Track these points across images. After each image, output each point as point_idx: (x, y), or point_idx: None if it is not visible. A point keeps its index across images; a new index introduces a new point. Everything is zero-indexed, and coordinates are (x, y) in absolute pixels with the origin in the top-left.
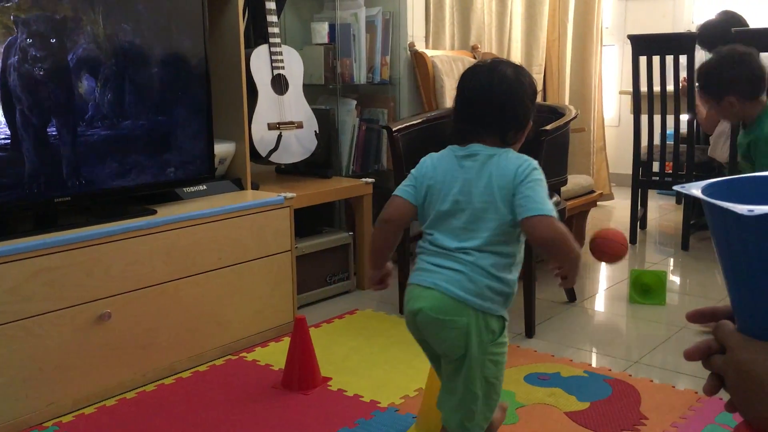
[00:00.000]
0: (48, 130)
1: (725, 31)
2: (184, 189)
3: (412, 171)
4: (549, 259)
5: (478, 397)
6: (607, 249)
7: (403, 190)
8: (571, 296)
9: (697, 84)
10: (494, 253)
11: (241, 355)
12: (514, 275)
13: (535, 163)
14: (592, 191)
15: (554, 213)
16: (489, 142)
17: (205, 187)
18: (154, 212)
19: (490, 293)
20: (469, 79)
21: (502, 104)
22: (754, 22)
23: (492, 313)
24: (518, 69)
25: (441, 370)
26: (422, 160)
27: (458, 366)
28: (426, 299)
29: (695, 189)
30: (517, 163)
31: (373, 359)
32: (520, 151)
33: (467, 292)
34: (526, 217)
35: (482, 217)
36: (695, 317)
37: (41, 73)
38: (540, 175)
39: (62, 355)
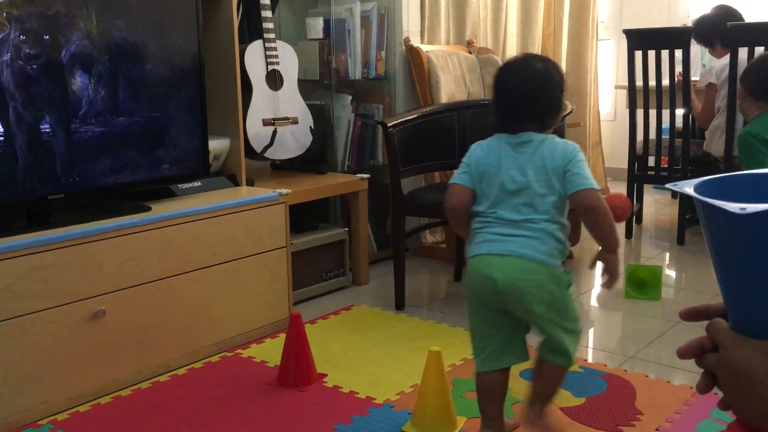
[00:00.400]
0: (41, 126)
1: (721, 25)
2: (179, 185)
3: (464, 160)
4: (592, 233)
5: (570, 333)
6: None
7: (460, 177)
8: None
9: (744, 90)
10: (554, 222)
11: (236, 351)
12: (566, 237)
13: (577, 146)
14: None
15: (598, 186)
16: (530, 128)
17: (199, 183)
18: (149, 209)
19: (556, 252)
20: (505, 79)
21: (537, 97)
22: (750, 16)
23: (558, 268)
24: (547, 63)
25: (505, 334)
26: (471, 148)
27: (541, 319)
28: (504, 265)
29: (688, 187)
30: (563, 147)
31: (369, 355)
32: None
33: (541, 253)
34: (576, 191)
35: (540, 193)
36: (689, 315)
37: (34, 69)
38: (582, 155)
39: (56, 353)
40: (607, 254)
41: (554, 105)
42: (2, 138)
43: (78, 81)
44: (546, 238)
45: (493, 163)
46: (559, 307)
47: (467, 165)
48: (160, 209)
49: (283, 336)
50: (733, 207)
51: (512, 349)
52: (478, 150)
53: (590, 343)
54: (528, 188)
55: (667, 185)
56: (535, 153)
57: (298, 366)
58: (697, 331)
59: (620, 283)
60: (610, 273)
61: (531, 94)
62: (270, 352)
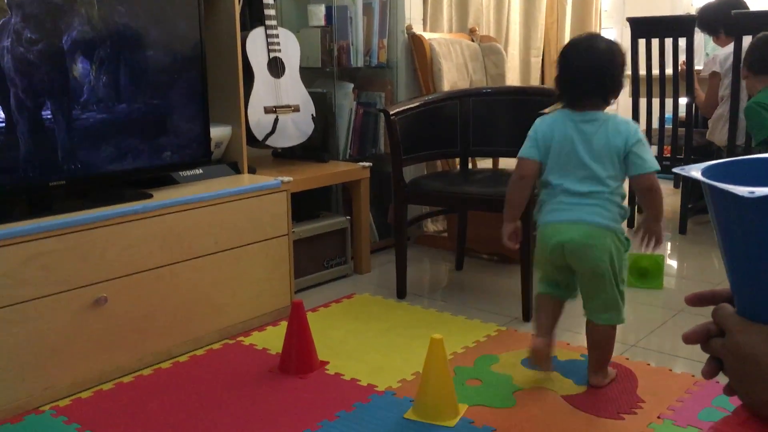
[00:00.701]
0: (42, 113)
1: (725, 13)
2: (180, 173)
3: (530, 134)
4: (644, 207)
5: (621, 293)
6: None
7: (528, 151)
8: None
9: (746, 69)
10: (616, 192)
11: (238, 339)
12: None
13: (637, 125)
14: None
15: (657, 167)
16: (594, 104)
17: (201, 171)
18: (150, 196)
19: (618, 218)
20: (571, 57)
21: (602, 75)
22: (754, 4)
23: (620, 230)
24: (611, 43)
25: (566, 288)
26: (536, 123)
27: (602, 277)
28: (574, 230)
29: (695, 171)
30: (626, 128)
31: (371, 343)
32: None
33: (606, 219)
34: (639, 174)
35: (603, 168)
36: (694, 300)
37: (35, 55)
38: (642, 136)
39: (58, 340)
40: (655, 223)
41: (617, 83)
42: (3, 124)
43: (79, 67)
44: (608, 205)
45: (558, 137)
46: (617, 265)
47: (534, 139)
48: (162, 196)
49: (284, 324)
50: (742, 190)
51: (568, 288)
52: (543, 125)
53: None
54: (592, 163)
55: (674, 170)
56: (599, 131)
57: (299, 353)
58: (700, 320)
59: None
60: (657, 238)
61: (596, 72)
62: (272, 339)
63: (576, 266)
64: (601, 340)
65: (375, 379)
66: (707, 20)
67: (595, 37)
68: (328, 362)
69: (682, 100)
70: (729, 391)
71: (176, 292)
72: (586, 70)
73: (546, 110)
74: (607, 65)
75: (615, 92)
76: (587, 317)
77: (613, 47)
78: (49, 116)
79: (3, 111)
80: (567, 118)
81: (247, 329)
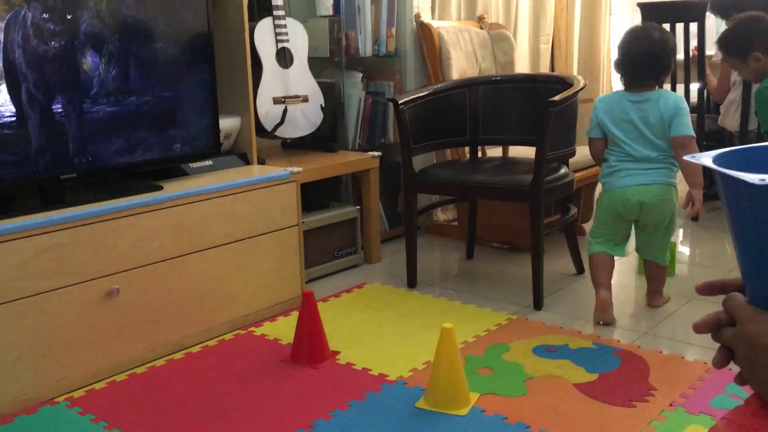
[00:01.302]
0: (53, 106)
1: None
2: (190, 165)
3: (592, 116)
4: (685, 176)
5: (668, 241)
6: None
7: (593, 131)
8: (580, 268)
9: (720, 50)
10: (670, 155)
11: (249, 329)
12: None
13: (682, 98)
14: None
15: (693, 133)
16: (649, 85)
17: (211, 162)
18: (161, 188)
19: (673, 174)
20: (631, 46)
21: (656, 61)
22: None
23: (675, 183)
24: (663, 32)
25: (622, 237)
26: (596, 104)
27: (661, 226)
28: (648, 192)
29: (706, 158)
30: (674, 100)
31: (382, 333)
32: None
33: (670, 177)
34: (674, 135)
35: (659, 137)
36: (705, 290)
37: (45, 49)
38: (685, 105)
39: (72, 331)
40: (693, 190)
41: (669, 67)
42: (15, 118)
43: (89, 60)
44: (669, 166)
45: (619, 114)
46: (673, 217)
47: (596, 119)
48: (172, 188)
49: (295, 314)
50: (753, 178)
51: (621, 246)
52: (602, 106)
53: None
54: (651, 135)
55: (686, 157)
56: (654, 107)
57: (311, 343)
58: (712, 307)
59: (633, 259)
60: (694, 204)
61: (653, 57)
62: (283, 329)
63: (647, 221)
64: (654, 273)
65: (386, 368)
66: (719, 4)
67: (651, 28)
68: (339, 352)
69: (694, 86)
70: (741, 380)
71: (187, 283)
72: (644, 57)
73: (556, 98)
74: (660, 52)
75: (667, 75)
76: (647, 258)
77: (665, 36)
78: (59, 110)
79: (14, 105)
80: (625, 98)
81: (258, 320)
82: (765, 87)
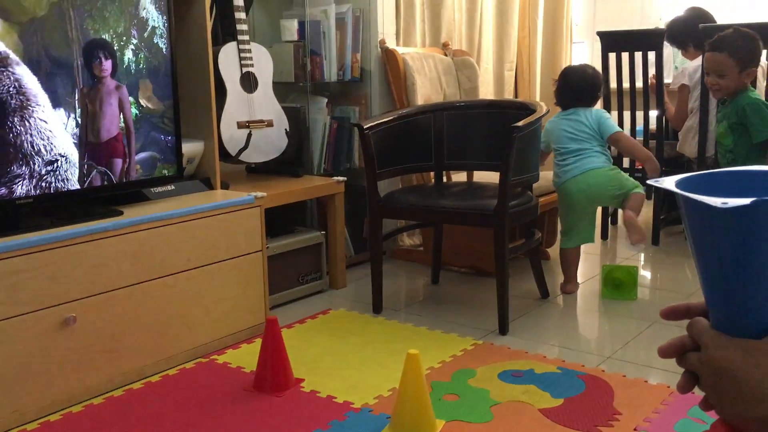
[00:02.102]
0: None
1: (693, 27)
2: (152, 189)
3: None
4: (630, 156)
5: (629, 188)
6: None
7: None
8: (544, 292)
9: (721, 52)
10: (597, 147)
11: (211, 357)
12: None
13: (603, 110)
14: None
15: (618, 128)
16: (583, 106)
17: (173, 187)
18: (121, 213)
19: (607, 159)
20: (572, 77)
21: (592, 89)
22: (721, 18)
23: (611, 166)
24: (594, 70)
25: (587, 223)
26: (546, 125)
27: (616, 195)
28: (593, 175)
29: (669, 182)
30: (597, 112)
31: (347, 359)
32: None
33: (603, 161)
34: (608, 134)
35: (587, 135)
36: (669, 314)
37: (6, 69)
38: (606, 114)
39: (26, 361)
40: (651, 172)
41: (597, 94)
42: None
43: (51, 82)
44: (604, 155)
45: (557, 129)
46: (620, 184)
47: (544, 135)
48: (133, 213)
49: (259, 341)
50: (715, 201)
51: (586, 233)
52: (548, 126)
53: (567, 344)
54: (580, 135)
55: (649, 181)
56: (582, 118)
57: (274, 371)
58: (675, 330)
59: (596, 283)
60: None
61: (587, 87)
62: (246, 357)
63: (599, 197)
64: (633, 201)
65: (351, 396)
66: (675, 34)
67: (586, 66)
68: (303, 379)
69: (653, 113)
70: (706, 405)
71: (147, 311)
72: (581, 87)
73: (519, 123)
74: (594, 83)
75: (596, 100)
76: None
77: (596, 72)
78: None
79: None
80: (561, 116)
81: (220, 347)
82: (755, 98)
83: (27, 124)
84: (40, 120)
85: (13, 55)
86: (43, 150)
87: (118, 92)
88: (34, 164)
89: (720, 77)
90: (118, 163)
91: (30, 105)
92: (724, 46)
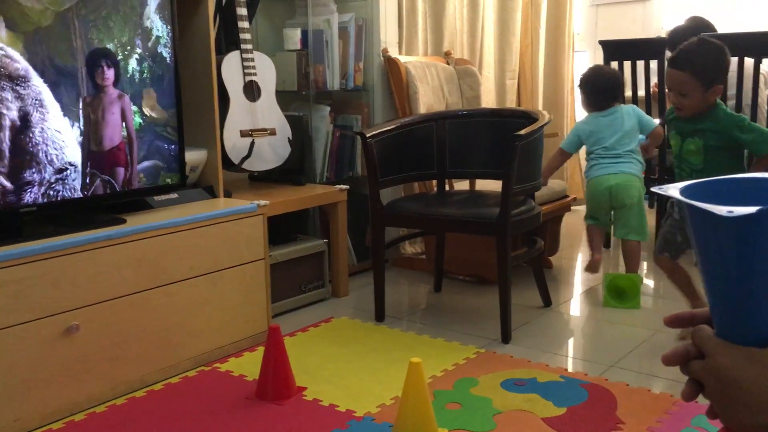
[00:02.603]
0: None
1: (694, 36)
2: (155, 197)
3: (572, 131)
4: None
5: (641, 222)
6: None
7: (568, 146)
8: (547, 301)
9: (682, 71)
10: (636, 151)
11: (214, 365)
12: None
13: (635, 106)
14: (566, 196)
15: (657, 122)
16: (612, 104)
17: (176, 195)
18: (124, 221)
19: (640, 168)
20: (600, 78)
21: (620, 85)
22: (721, 27)
23: (641, 176)
24: (608, 68)
25: (605, 221)
26: (578, 125)
27: (631, 209)
28: (617, 177)
29: (673, 190)
30: (635, 107)
31: (349, 368)
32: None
33: (634, 169)
34: (652, 129)
35: (628, 136)
36: (674, 322)
37: (9, 79)
38: (640, 110)
39: (28, 370)
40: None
41: (622, 91)
42: None
43: (54, 91)
44: (633, 160)
45: (593, 129)
46: (641, 199)
47: (577, 136)
48: (136, 221)
49: (261, 349)
50: (721, 210)
51: (606, 221)
52: (586, 126)
53: (570, 353)
54: (620, 137)
55: (653, 189)
56: (619, 116)
57: (276, 379)
58: (678, 340)
59: (599, 291)
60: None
61: (612, 85)
62: (248, 365)
63: (616, 203)
64: (630, 251)
65: (354, 404)
66: (677, 43)
67: (600, 66)
68: (306, 388)
69: (655, 121)
70: (711, 413)
71: (150, 319)
72: (610, 86)
73: (521, 132)
74: (619, 79)
75: (622, 96)
76: (621, 237)
77: (612, 69)
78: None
79: None
80: (598, 115)
81: (223, 355)
82: (731, 113)
83: (45, 134)
84: (56, 131)
85: (32, 70)
86: (55, 159)
87: (120, 101)
88: (45, 172)
89: (682, 96)
90: (121, 171)
91: (47, 116)
92: (685, 64)
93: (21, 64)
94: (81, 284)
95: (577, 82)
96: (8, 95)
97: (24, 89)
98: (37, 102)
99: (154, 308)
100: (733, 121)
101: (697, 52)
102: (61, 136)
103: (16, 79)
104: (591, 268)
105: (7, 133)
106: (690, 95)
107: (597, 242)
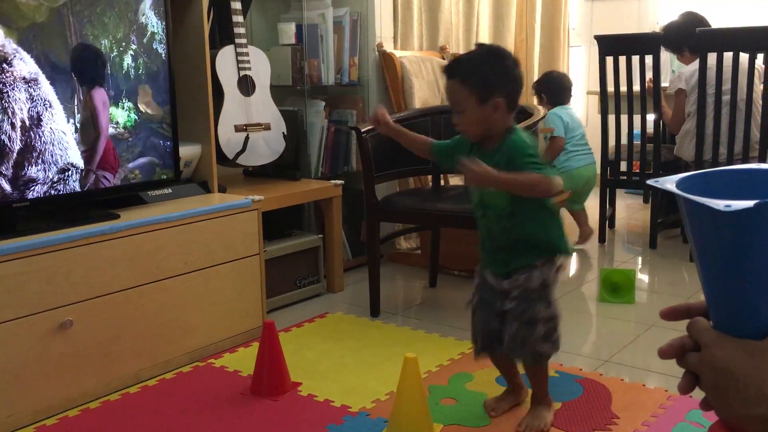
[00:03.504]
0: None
1: (688, 31)
2: (149, 192)
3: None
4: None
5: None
6: None
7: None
8: None
9: (454, 79)
10: None
11: (208, 361)
12: None
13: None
14: (561, 191)
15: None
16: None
17: (170, 190)
18: (117, 216)
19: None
20: (558, 78)
21: (571, 86)
22: (715, 22)
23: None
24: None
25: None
26: (559, 115)
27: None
28: (591, 168)
29: (669, 183)
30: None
31: (344, 363)
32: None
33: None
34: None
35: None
36: (669, 315)
37: (6, 76)
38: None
39: (22, 365)
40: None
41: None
42: None
43: (49, 89)
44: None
45: (573, 117)
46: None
47: (563, 122)
48: (130, 217)
49: (256, 345)
50: (718, 204)
51: (584, 200)
52: (562, 115)
53: (565, 348)
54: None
55: (649, 182)
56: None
57: (271, 375)
58: (672, 334)
59: (594, 286)
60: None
61: (570, 85)
62: (243, 361)
63: (588, 188)
64: (580, 216)
65: (349, 399)
66: (671, 39)
67: (555, 70)
68: (300, 383)
69: (650, 117)
70: (705, 405)
71: (144, 315)
72: (568, 85)
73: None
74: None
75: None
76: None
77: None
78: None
79: None
80: (564, 109)
81: (217, 351)
82: (518, 141)
83: (53, 134)
84: (60, 132)
85: (42, 75)
86: (59, 159)
87: (111, 98)
88: (49, 171)
89: (459, 114)
90: (114, 167)
91: (52, 115)
92: (455, 72)
93: (39, 72)
94: (75, 279)
95: (573, 76)
96: (8, 95)
97: (45, 92)
98: (49, 101)
99: (149, 303)
100: (517, 148)
101: (469, 57)
102: (70, 136)
103: (38, 84)
104: (583, 237)
105: (5, 126)
106: (467, 111)
107: (583, 219)
